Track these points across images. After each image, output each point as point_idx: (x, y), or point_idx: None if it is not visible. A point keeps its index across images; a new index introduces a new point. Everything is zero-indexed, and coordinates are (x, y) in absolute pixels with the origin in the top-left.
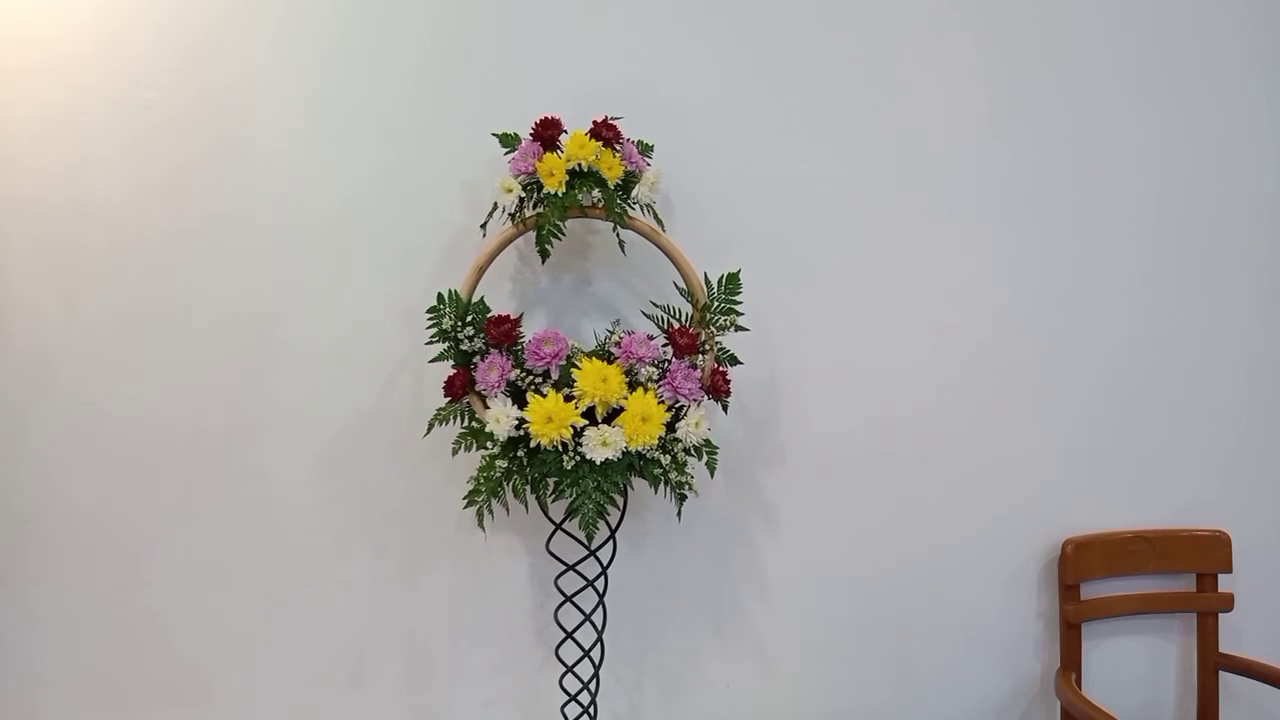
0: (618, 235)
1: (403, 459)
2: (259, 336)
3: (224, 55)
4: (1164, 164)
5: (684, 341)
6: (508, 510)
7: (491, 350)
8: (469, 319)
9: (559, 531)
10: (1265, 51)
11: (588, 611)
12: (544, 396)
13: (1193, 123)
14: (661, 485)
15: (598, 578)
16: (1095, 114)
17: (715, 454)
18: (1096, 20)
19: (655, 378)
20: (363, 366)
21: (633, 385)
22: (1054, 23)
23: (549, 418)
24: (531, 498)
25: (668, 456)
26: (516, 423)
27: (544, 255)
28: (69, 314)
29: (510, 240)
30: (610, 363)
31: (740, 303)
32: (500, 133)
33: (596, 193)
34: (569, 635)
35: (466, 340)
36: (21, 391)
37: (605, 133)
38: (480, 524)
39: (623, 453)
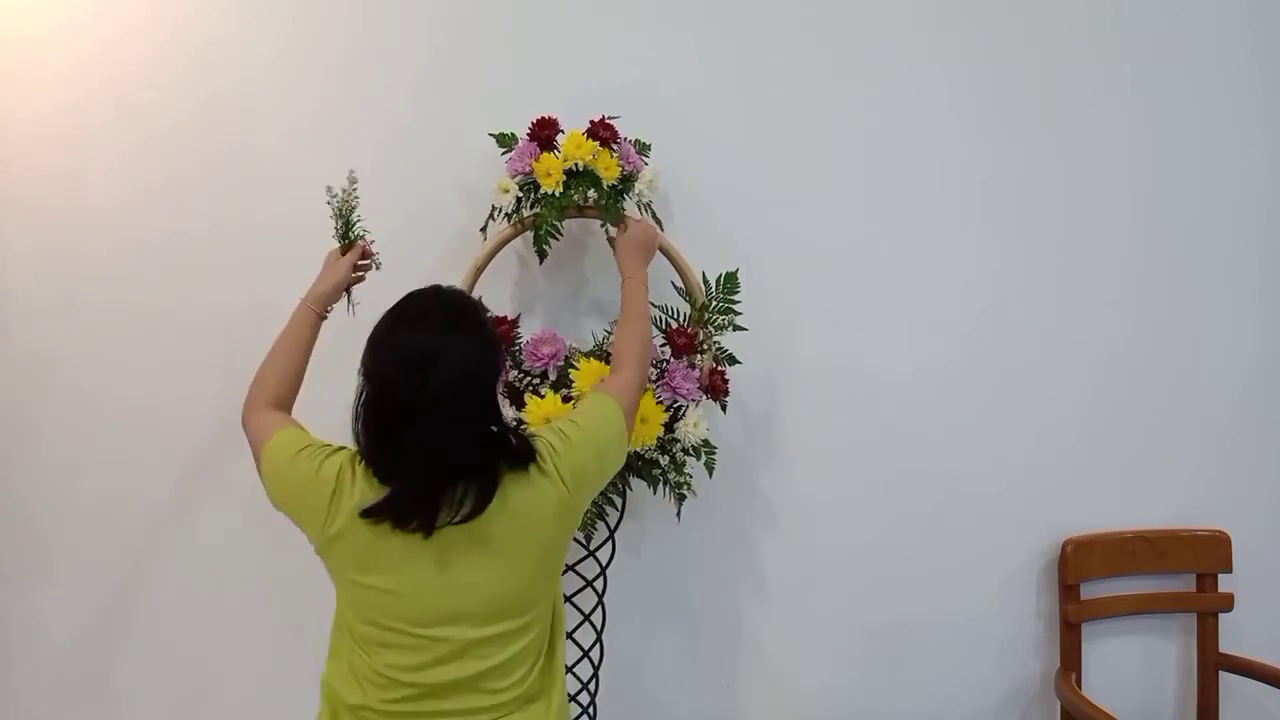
0: (607, 234)
1: None
2: (259, 336)
3: (224, 57)
4: (1162, 162)
5: (682, 341)
6: None
7: None
8: None
9: None
10: (1258, 46)
11: (587, 612)
12: (542, 397)
13: (1186, 119)
14: (660, 485)
15: (597, 578)
16: (1101, 112)
17: (714, 454)
18: (1085, 19)
19: (653, 378)
20: None
21: None
22: (1043, 22)
23: (547, 419)
24: None
25: (666, 457)
26: (514, 424)
27: (541, 256)
28: (69, 315)
29: (508, 241)
30: (608, 363)
31: (738, 302)
32: (497, 133)
33: (593, 193)
34: (568, 635)
35: None
36: (21, 391)
37: (602, 132)
38: None
39: None
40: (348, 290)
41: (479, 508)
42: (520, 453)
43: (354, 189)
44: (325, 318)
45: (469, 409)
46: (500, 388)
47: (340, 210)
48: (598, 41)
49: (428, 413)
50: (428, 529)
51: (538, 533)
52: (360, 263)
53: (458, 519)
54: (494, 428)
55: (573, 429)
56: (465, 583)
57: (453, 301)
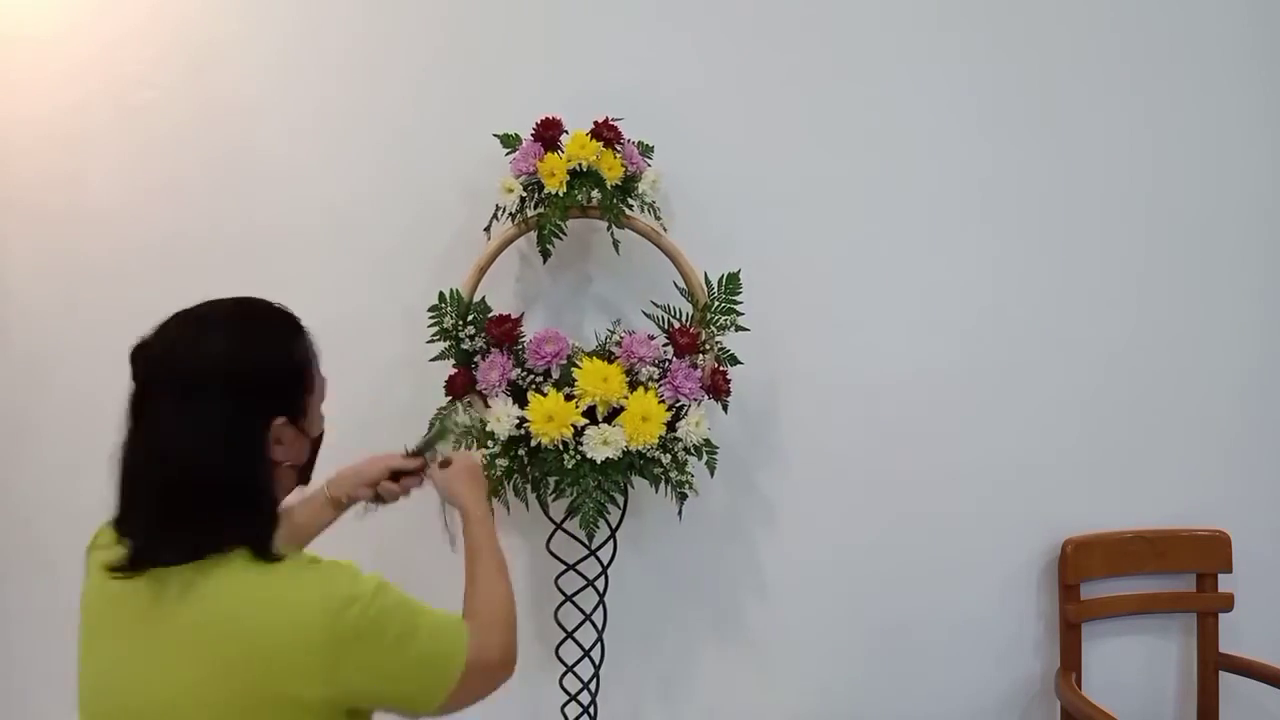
0: (612, 234)
1: None
2: None
3: (224, 57)
4: (1162, 162)
5: (684, 341)
6: (508, 509)
7: (492, 349)
8: (470, 318)
9: (559, 531)
10: (1258, 46)
11: (588, 611)
12: (545, 396)
13: (1186, 119)
14: (662, 484)
15: (598, 577)
16: (1101, 112)
17: (715, 453)
18: (1085, 19)
19: (656, 377)
20: (364, 366)
21: (633, 385)
22: (1043, 22)
23: (550, 417)
24: (532, 496)
25: (668, 456)
26: (517, 422)
27: (545, 255)
28: (69, 314)
29: (511, 240)
30: (611, 362)
31: (740, 303)
32: (501, 133)
33: (596, 193)
34: (569, 635)
35: (468, 339)
36: (21, 391)
37: (606, 133)
38: None
39: (623, 452)
40: (377, 496)
41: (182, 553)
42: (262, 540)
43: (470, 426)
44: (341, 504)
45: (200, 414)
46: (279, 441)
47: (438, 429)
48: (597, 41)
49: (155, 404)
50: (142, 547)
51: (258, 655)
52: (403, 478)
53: (168, 558)
54: (250, 481)
55: (406, 612)
56: (155, 697)
57: (248, 308)
